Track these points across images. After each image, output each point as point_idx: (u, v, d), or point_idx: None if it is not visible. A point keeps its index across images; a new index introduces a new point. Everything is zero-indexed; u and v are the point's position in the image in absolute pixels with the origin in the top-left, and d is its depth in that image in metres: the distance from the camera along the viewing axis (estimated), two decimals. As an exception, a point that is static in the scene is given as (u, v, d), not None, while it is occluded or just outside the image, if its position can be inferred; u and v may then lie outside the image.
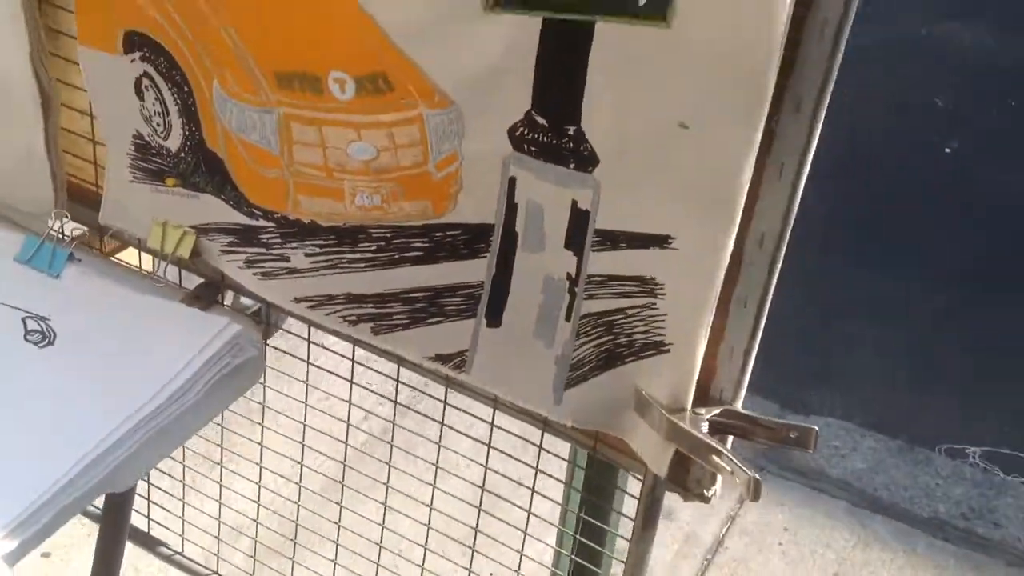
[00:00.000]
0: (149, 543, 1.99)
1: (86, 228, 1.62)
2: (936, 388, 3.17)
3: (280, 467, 1.85)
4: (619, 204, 1.17)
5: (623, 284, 1.21)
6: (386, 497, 1.71)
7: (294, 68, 1.26)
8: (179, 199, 1.48)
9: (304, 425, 1.74)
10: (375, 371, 1.61)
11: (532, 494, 1.54)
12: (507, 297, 1.30)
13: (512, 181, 1.23)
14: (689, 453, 1.22)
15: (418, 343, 1.39)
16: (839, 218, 3.63)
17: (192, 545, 1.98)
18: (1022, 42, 4.68)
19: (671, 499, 1.34)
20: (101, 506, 1.60)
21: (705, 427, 1.22)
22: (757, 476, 1.14)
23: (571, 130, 1.15)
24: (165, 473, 1.91)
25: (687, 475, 1.30)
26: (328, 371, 1.65)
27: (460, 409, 1.51)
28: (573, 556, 1.58)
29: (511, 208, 1.24)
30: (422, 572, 1.77)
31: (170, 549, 1.98)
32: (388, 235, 1.33)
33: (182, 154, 1.45)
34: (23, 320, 1.51)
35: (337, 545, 1.82)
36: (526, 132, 1.18)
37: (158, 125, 1.44)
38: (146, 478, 1.88)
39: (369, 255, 1.35)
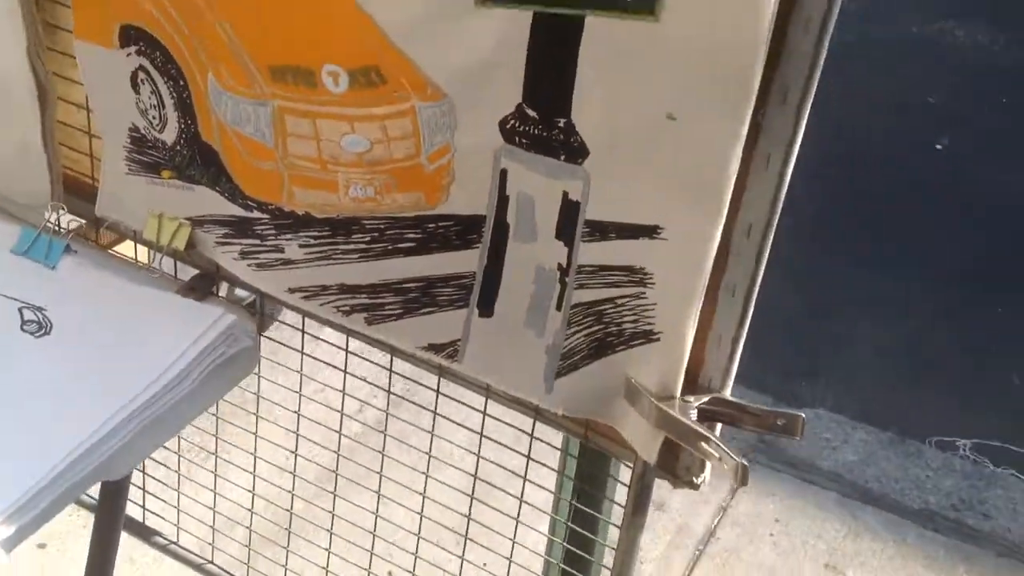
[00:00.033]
0: (144, 533, 2.00)
1: (82, 220, 1.64)
2: (927, 381, 3.19)
3: (275, 457, 1.86)
4: (609, 195, 1.19)
5: (613, 274, 1.23)
6: (380, 487, 1.72)
7: (288, 61, 1.27)
8: (174, 191, 1.50)
9: (299, 415, 1.75)
10: (370, 362, 1.62)
11: (524, 483, 1.55)
12: (499, 287, 1.31)
13: (504, 173, 1.24)
14: (678, 440, 1.23)
15: (411, 333, 1.40)
16: (832, 213, 3.65)
17: (187, 535, 1.99)
18: (1015, 40, 4.70)
19: (663, 491, 1.35)
20: (97, 496, 1.61)
21: (694, 414, 1.23)
22: (744, 462, 1.15)
23: (561, 122, 1.17)
24: (160, 463, 1.92)
25: (676, 462, 1.31)
26: (323, 361, 1.66)
27: (454, 399, 1.52)
28: (566, 544, 1.59)
29: (503, 199, 1.26)
30: (416, 561, 1.78)
31: (165, 539, 1.99)
32: (381, 226, 1.34)
33: (178, 147, 1.46)
34: (20, 310, 1.52)
35: (332, 535, 1.83)
36: (517, 125, 1.20)
37: (154, 118, 1.46)
38: (141, 468, 1.89)
39: (363, 246, 1.37)
